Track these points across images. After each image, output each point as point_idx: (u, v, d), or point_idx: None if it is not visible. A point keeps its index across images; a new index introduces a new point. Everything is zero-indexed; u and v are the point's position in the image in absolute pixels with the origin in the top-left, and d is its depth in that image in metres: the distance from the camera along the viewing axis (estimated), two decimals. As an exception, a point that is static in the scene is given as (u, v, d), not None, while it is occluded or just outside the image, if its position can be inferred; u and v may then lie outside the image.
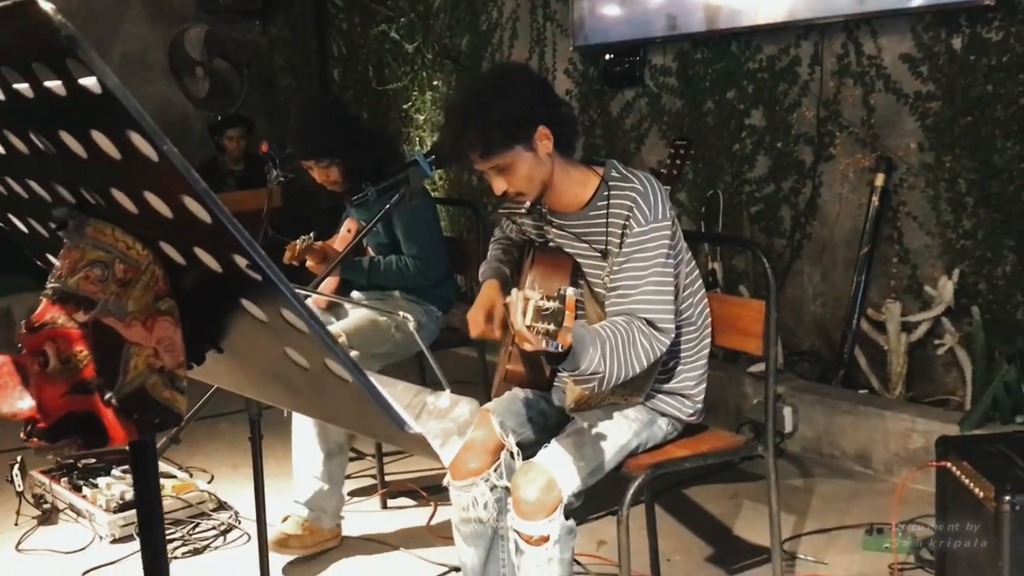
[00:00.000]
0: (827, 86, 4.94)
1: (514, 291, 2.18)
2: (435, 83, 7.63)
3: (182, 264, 1.16)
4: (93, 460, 4.29)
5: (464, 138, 2.60)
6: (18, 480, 4.19)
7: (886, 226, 4.78)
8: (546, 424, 2.91)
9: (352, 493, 4.07)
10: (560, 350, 2.14)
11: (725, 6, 5.25)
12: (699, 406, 2.91)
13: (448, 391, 1.34)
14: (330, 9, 8.74)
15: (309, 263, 3.86)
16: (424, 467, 4.51)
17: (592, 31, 6.12)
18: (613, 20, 6.00)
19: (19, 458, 4.24)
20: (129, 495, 3.95)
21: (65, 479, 4.20)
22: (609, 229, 2.67)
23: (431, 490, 4.24)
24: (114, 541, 3.86)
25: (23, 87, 1.06)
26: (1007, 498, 2.74)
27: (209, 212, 1.00)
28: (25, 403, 1.16)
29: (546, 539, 2.57)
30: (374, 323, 3.85)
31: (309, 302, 1.61)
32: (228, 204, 1.02)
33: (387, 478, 4.34)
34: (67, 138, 1.08)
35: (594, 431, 2.71)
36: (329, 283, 3.93)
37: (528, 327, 2.08)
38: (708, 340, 2.91)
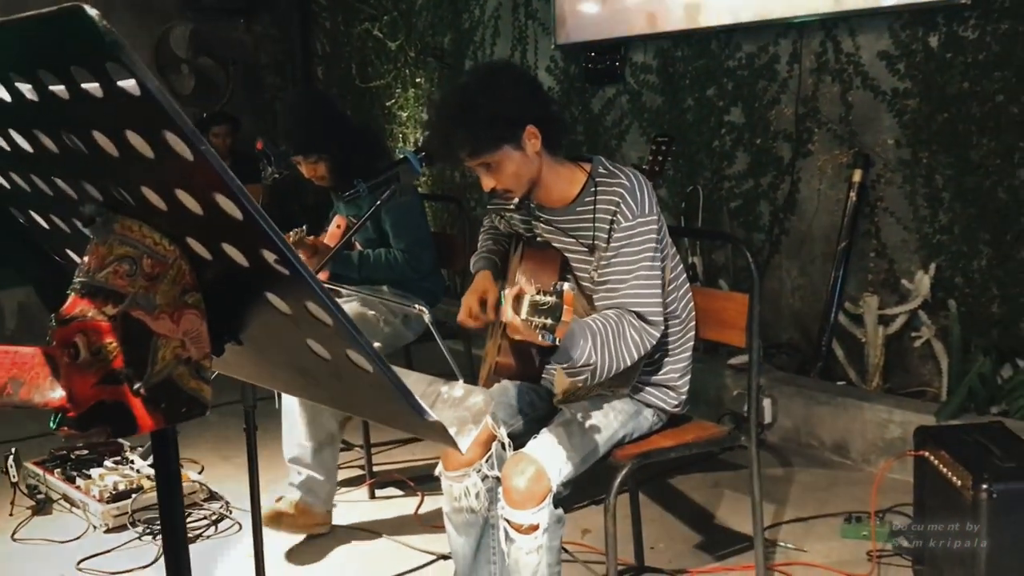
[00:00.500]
0: (805, 83, 5.02)
1: (508, 289, 2.24)
2: (418, 80, 7.67)
3: (208, 259, 1.21)
4: (86, 451, 4.33)
5: (453, 137, 2.65)
6: (12, 471, 4.23)
7: (863, 221, 4.87)
8: (535, 415, 2.97)
9: (340, 483, 4.12)
10: (557, 343, 2.20)
11: (705, 4, 5.32)
12: (683, 397, 2.98)
13: (461, 380, 1.40)
14: (313, 7, 8.77)
15: (301, 257, 3.89)
16: (411, 458, 4.57)
17: (573, 29, 6.18)
18: (594, 18, 6.06)
19: (13, 449, 4.28)
20: (122, 485, 3.99)
21: (59, 470, 4.24)
22: (596, 224, 2.73)
23: (418, 480, 4.30)
24: (108, 531, 3.90)
25: (59, 88, 1.10)
26: (984, 486, 2.83)
27: (241, 209, 1.05)
28: (56, 393, 1.21)
29: (535, 527, 2.63)
30: (363, 316, 3.91)
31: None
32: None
33: (375, 468, 4.39)
34: (100, 138, 1.12)
35: (582, 422, 2.78)
36: (319, 278, 3.97)
37: (524, 320, 2.14)
38: (692, 333, 2.97)
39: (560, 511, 2.70)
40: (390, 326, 3.91)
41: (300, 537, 3.83)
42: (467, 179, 6.78)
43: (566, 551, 3.50)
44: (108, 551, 3.74)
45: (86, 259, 1.26)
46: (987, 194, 4.35)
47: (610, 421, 2.83)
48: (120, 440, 4.37)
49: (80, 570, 3.62)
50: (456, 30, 7.26)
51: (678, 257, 2.91)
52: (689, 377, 2.97)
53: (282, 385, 1.46)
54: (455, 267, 4.43)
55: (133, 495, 3.97)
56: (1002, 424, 3.27)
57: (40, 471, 4.24)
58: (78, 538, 3.88)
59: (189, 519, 3.99)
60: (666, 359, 2.92)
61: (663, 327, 2.72)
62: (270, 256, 1.09)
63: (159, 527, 1.70)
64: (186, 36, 7.69)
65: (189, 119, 1.01)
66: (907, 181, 4.66)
